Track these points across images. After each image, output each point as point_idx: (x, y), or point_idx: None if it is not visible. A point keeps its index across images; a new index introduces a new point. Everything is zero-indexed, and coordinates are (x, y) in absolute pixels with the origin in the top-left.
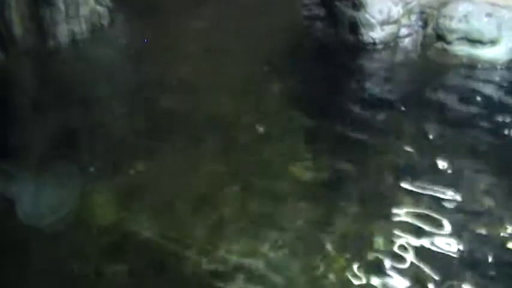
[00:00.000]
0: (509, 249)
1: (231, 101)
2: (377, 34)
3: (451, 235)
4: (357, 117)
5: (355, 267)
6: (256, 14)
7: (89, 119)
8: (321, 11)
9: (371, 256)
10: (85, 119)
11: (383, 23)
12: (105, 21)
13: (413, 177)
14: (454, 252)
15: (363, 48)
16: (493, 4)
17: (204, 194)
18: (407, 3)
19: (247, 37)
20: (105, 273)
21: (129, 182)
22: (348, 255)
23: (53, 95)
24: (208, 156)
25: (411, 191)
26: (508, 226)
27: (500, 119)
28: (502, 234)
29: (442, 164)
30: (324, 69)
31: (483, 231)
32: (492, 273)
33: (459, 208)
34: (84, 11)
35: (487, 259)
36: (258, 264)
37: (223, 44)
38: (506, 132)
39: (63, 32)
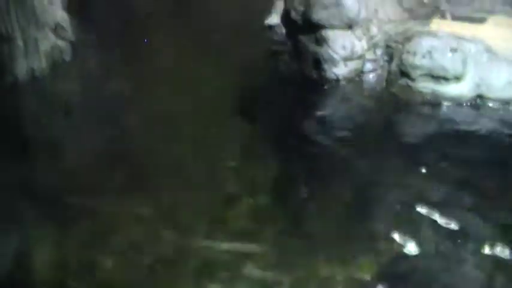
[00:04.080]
0: None
1: (186, 136)
2: (340, 70)
3: None
4: (314, 153)
5: None
6: (222, 47)
7: (41, 161)
8: (287, 46)
9: None
10: (36, 161)
11: (346, 59)
12: (67, 56)
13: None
14: None
15: (326, 85)
16: (459, 38)
17: None
18: (372, 37)
19: (210, 70)
20: None
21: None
22: None
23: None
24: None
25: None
26: None
27: (463, 156)
28: None
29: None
30: (284, 105)
31: None
32: None
33: None
34: (44, 46)
35: None
36: None
37: (186, 75)
38: (467, 171)
39: (21, 68)
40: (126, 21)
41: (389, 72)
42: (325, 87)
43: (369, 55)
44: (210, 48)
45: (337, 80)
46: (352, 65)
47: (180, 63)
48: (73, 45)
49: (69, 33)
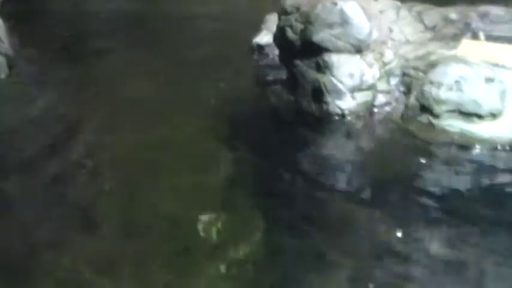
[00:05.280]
0: None
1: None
2: (346, 103)
3: None
4: (310, 204)
5: None
6: (203, 71)
7: None
8: (279, 72)
9: None
10: None
11: (354, 90)
12: (3, 73)
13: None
14: None
15: (328, 121)
16: (495, 65)
17: None
18: (385, 64)
19: (196, 102)
20: None
21: None
22: None
23: None
24: None
25: None
26: None
27: (496, 216)
28: None
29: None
30: (276, 145)
31: None
32: None
33: None
34: None
35: None
36: None
37: (169, 104)
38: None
39: None
40: (76, 35)
41: (406, 107)
42: (327, 123)
43: (382, 85)
44: (189, 71)
45: (342, 115)
46: (361, 96)
47: (148, 91)
48: (10, 60)
49: (6, 45)
